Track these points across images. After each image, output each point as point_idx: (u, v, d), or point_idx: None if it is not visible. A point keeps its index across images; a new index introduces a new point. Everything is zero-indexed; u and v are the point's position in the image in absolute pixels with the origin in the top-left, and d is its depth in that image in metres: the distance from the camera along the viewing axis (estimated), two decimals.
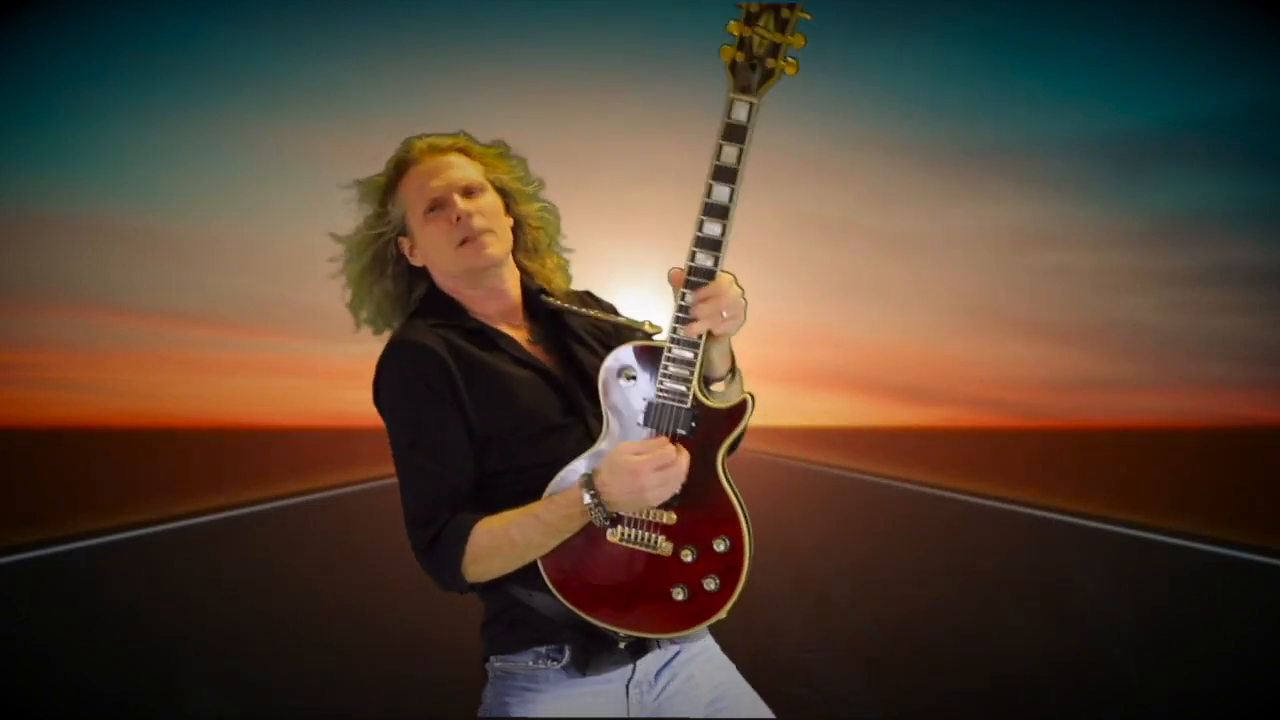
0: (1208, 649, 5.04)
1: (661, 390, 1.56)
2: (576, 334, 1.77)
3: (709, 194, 1.53)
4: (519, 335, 1.72)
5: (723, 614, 1.57)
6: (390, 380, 1.64)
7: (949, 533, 10.28)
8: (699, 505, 1.56)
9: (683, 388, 1.55)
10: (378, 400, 1.67)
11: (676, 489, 1.54)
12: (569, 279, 1.82)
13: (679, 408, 1.56)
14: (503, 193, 1.74)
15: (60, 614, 5.89)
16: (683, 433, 1.56)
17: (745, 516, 1.56)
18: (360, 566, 7.68)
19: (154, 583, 7.04)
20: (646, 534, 1.56)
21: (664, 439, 1.55)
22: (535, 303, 1.77)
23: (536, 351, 1.72)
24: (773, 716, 1.71)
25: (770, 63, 1.53)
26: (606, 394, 1.59)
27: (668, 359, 1.56)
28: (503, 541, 1.57)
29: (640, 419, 1.57)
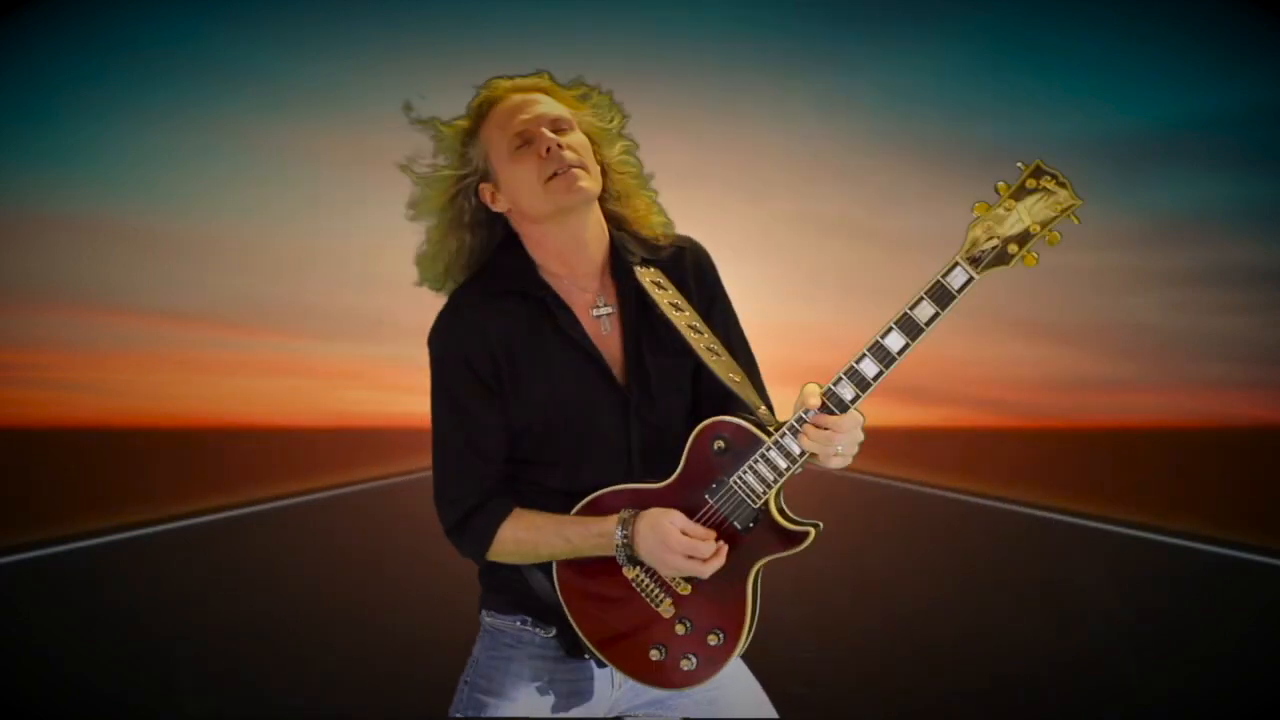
0: (1208, 649, 5.03)
1: (742, 480, 1.54)
2: (659, 325, 1.64)
3: (884, 335, 1.49)
4: (586, 303, 1.64)
5: (678, 691, 1.59)
6: (437, 349, 1.63)
7: (949, 533, 10.28)
8: (716, 595, 1.56)
9: (761, 489, 1.54)
10: (430, 356, 1.65)
11: (698, 573, 1.54)
12: (666, 218, 1.71)
13: (748, 505, 1.55)
14: (588, 136, 1.65)
15: (60, 614, 5.88)
16: (738, 527, 1.55)
17: (751, 628, 1.57)
18: (360, 566, 7.67)
19: (154, 583, 7.03)
20: (658, 590, 1.58)
21: (712, 535, 1.54)
22: (626, 273, 1.66)
23: (600, 327, 1.64)
24: (763, 696, 1.71)
25: (1012, 249, 1.46)
26: (693, 448, 1.57)
27: (762, 457, 1.54)
28: (527, 551, 1.59)
29: (709, 490, 1.56)
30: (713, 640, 1.57)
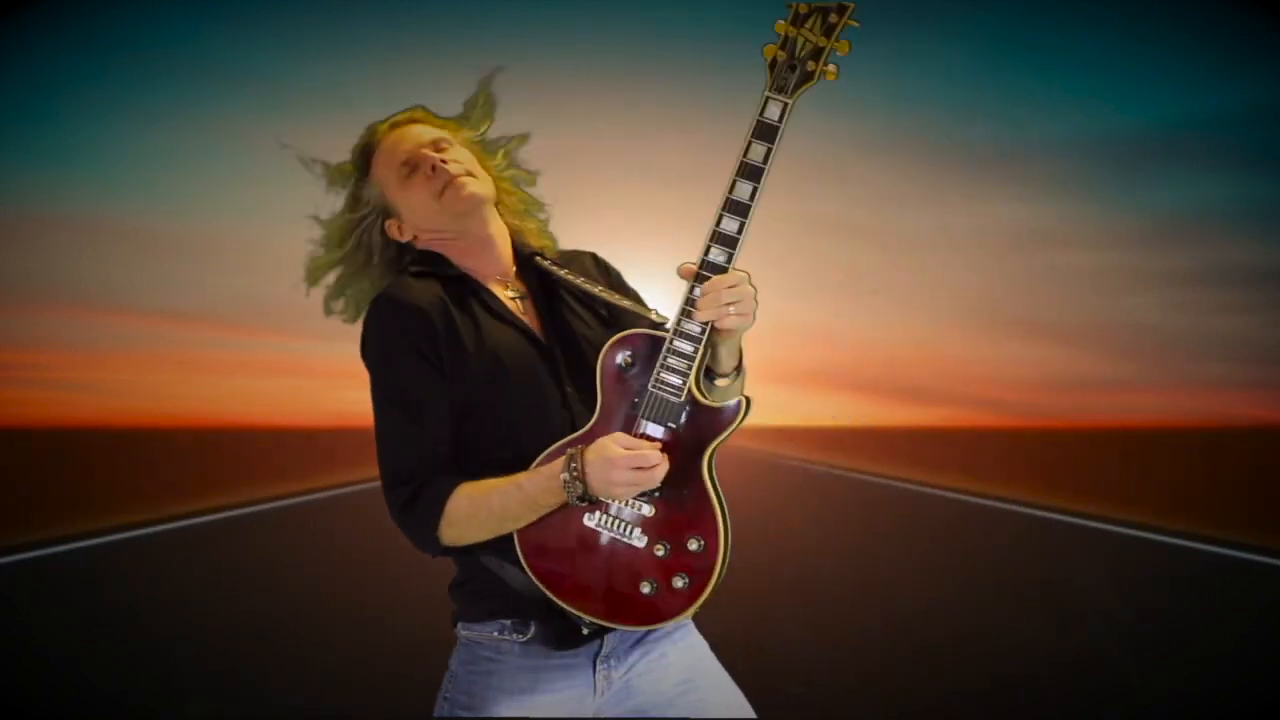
0: (1208, 649, 5.04)
1: (658, 381, 1.55)
2: (567, 301, 1.75)
3: (731, 189, 1.52)
4: (501, 288, 1.71)
5: (687, 615, 1.57)
6: (374, 336, 1.64)
7: (949, 533, 10.29)
8: (679, 503, 1.55)
9: (679, 380, 1.54)
10: (363, 354, 1.67)
11: (646, 490, 1.54)
12: (553, 240, 1.80)
13: (673, 401, 1.55)
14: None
15: (60, 614, 5.89)
16: (673, 426, 1.55)
17: (724, 520, 1.55)
18: (360, 566, 7.67)
19: (154, 583, 7.04)
20: (623, 524, 1.56)
21: (653, 443, 1.55)
22: (527, 263, 1.76)
23: (521, 310, 1.71)
24: (742, 699, 1.70)
25: (811, 65, 1.53)
26: (603, 376, 1.59)
27: (668, 350, 1.55)
28: (481, 507, 1.56)
29: (634, 406, 1.57)
30: (694, 546, 1.55)
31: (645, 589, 1.56)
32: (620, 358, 1.58)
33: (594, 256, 1.84)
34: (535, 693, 1.62)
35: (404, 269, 1.71)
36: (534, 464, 1.59)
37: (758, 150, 1.52)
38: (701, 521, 1.55)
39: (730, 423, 1.56)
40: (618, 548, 1.56)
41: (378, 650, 4.95)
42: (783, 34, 1.53)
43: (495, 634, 1.64)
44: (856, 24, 1.53)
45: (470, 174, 1.68)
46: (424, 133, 1.71)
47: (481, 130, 1.75)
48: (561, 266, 1.76)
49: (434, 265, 1.69)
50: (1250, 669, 4.70)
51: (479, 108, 1.76)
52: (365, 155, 1.73)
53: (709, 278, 1.53)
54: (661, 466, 1.53)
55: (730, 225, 1.53)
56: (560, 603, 1.58)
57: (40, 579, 7.32)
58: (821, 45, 1.53)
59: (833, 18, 1.52)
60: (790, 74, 1.53)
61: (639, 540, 1.56)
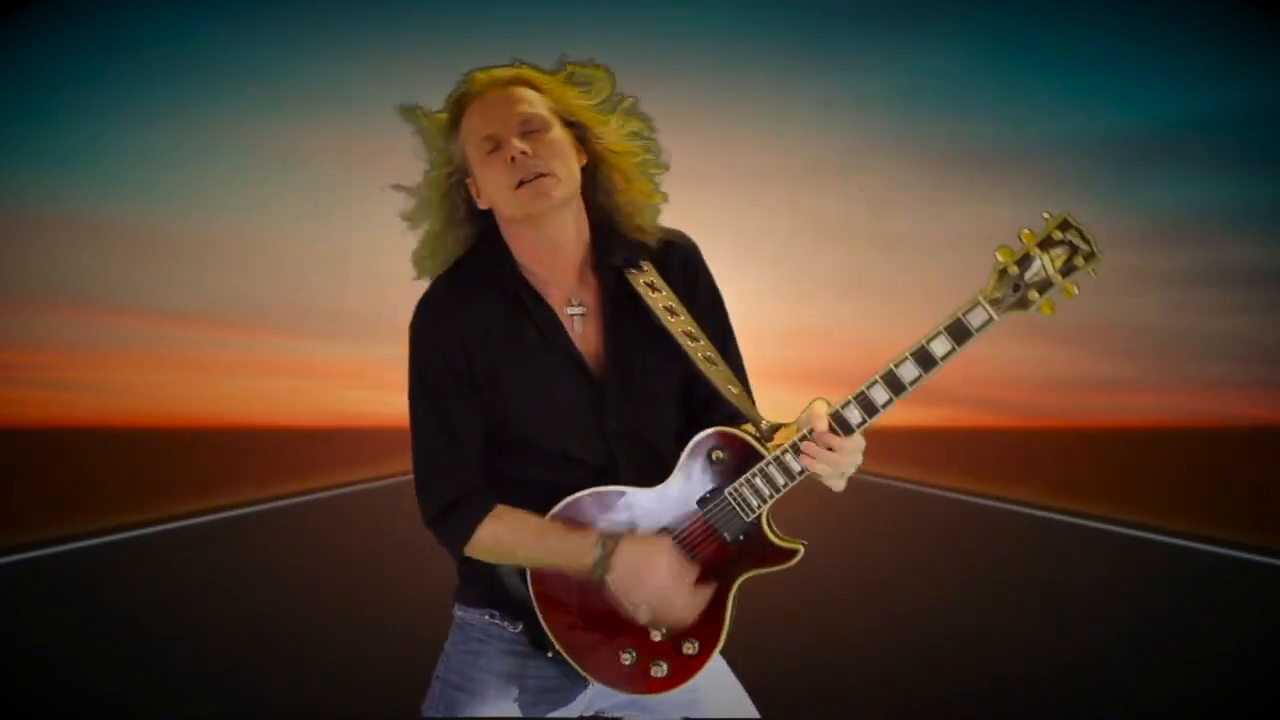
0: (1208, 649, 5.03)
1: (737, 491, 1.53)
2: (647, 318, 1.60)
3: (898, 364, 1.48)
4: (562, 299, 1.62)
5: (648, 696, 1.57)
6: (415, 336, 1.61)
7: (949, 533, 10.28)
8: (695, 609, 1.56)
9: (756, 503, 1.53)
10: (409, 347, 1.63)
11: (656, 618, 1.54)
12: (657, 212, 1.65)
13: (743, 519, 1.54)
14: (575, 125, 1.59)
15: (60, 614, 5.88)
16: (726, 538, 1.55)
17: (723, 639, 1.57)
18: (360, 566, 7.67)
19: (154, 583, 7.03)
20: None
21: (694, 569, 1.54)
22: (604, 262, 1.63)
23: (579, 325, 1.61)
24: (743, 694, 1.70)
25: (1033, 295, 1.47)
26: (690, 454, 1.55)
27: (761, 471, 1.52)
28: (505, 553, 1.58)
29: (701, 498, 1.55)
30: (688, 649, 1.56)
31: (626, 659, 1.56)
32: (714, 449, 1.54)
33: (689, 254, 1.68)
34: (525, 677, 1.62)
35: (465, 255, 1.63)
36: (564, 501, 1.55)
37: (942, 345, 1.48)
38: (707, 631, 1.56)
39: (779, 564, 1.55)
40: (619, 610, 1.56)
41: (378, 650, 4.94)
42: (1024, 251, 1.47)
43: (486, 618, 1.64)
44: (1094, 275, 1.47)
45: (553, 174, 1.54)
46: (520, 107, 1.56)
47: (602, 99, 1.60)
48: (657, 268, 1.64)
49: (492, 274, 1.60)
50: (1250, 669, 4.69)
51: (596, 73, 1.61)
52: (459, 106, 1.59)
53: (836, 431, 1.50)
54: (680, 613, 1.53)
55: (880, 396, 1.49)
56: (542, 622, 1.58)
57: (40, 579, 7.31)
58: (1053, 282, 1.47)
59: (1079, 260, 1.46)
60: (1011, 293, 1.47)
61: (643, 617, 1.55)
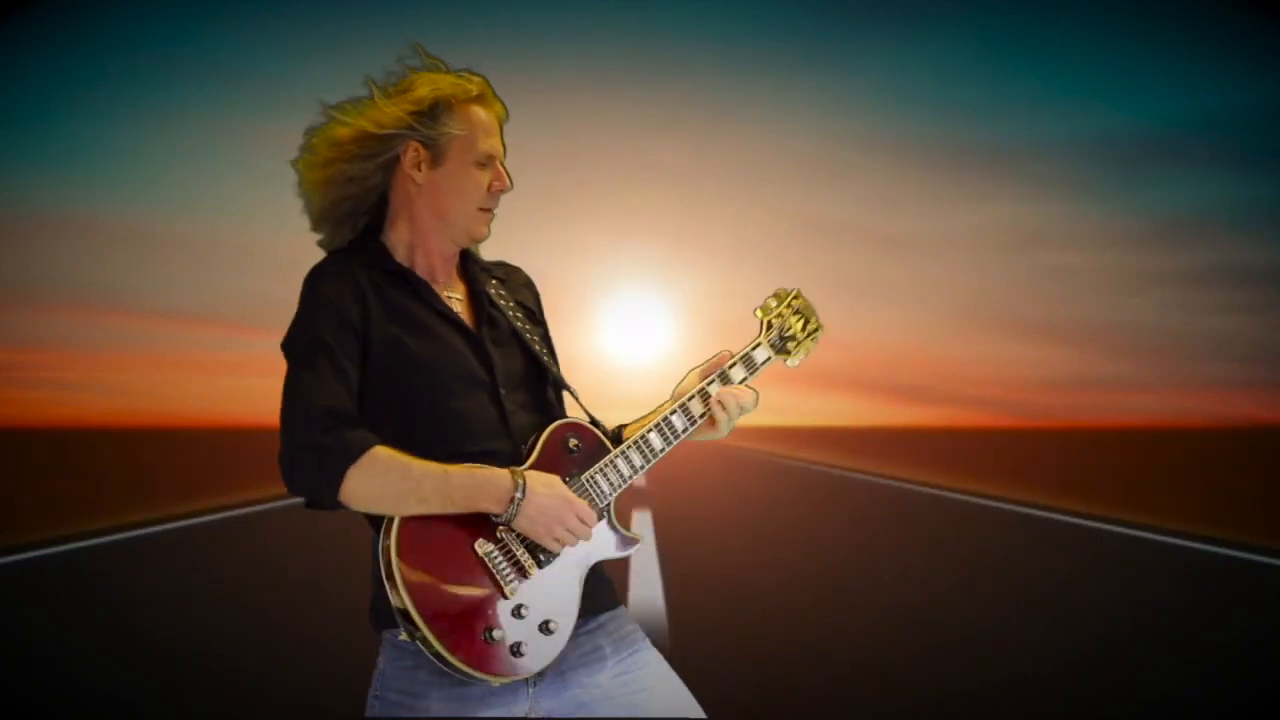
0: (1208, 649, 5.04)
1: (593, 479, 1.64)
2: (501, 317, 1.75)
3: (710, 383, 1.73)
4: (439, 287, 1.71)
5: (500, 680, 1.56)
6: (312, 288, 1.62)
7: (949, 533, 10.29)
8: (556, 586, 1.60)
9: (609, 490, 1.65)
10: (302, 293, 1.65)
11: (571, 545, 1.59)
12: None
13: (596, 504, 1.64)
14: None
15: (60, 614, 5.89)
16: None
17: (575, 619, 1.61)
18: (360, 566, 7.65)
19: (154, 583, 7.04)
20: (509, 568, 1.57)
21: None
22: (470, 267, 1.76)
23: (456, 306, 1.71)
24: (683, 688, 1.70)
25: (790, 346, 1.79)
26: (548, 443, 1.64)
27: (612, 463, 1.65)
28: (399, 469, 1.53)
29: (565, 479, 1.62)
30: (550, 628, 1.59)
31: (485, 637, 1.54)
32: (571, 439, 1.66)
33: (529, 280, 1.85)
34: (468, 683, 1.58)
35: (340, 247, 1.69)
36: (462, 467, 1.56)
37: (738, 374, 1.75)
38: (564, 613, 1.60)
39: (625, 550, 1.67)
40: (488, 586, 1.56)
41: (377, 650, 4.94)
42: (763, 317, 1.78)
43: (403, 635, 1.61)
44: (814, 344, 1.81)
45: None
46: (503, 139, 1.70)
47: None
48: (503, 283, 1.79)
49: (376, 260, 1.67)
50: (1250, 669, 4.70)
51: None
52: (479, 98, 1.68)
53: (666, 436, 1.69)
54: (592, 531, 1.61)
55: (679, 421, 1.71)
56: (404, 593, 1.52)
57: (40, 579, 7.32)
58: (799, 337, 1.80)
59: (812, 324, 1.81)
60: (779, 340, 1.79)
61: (511, 591, 1.56)
